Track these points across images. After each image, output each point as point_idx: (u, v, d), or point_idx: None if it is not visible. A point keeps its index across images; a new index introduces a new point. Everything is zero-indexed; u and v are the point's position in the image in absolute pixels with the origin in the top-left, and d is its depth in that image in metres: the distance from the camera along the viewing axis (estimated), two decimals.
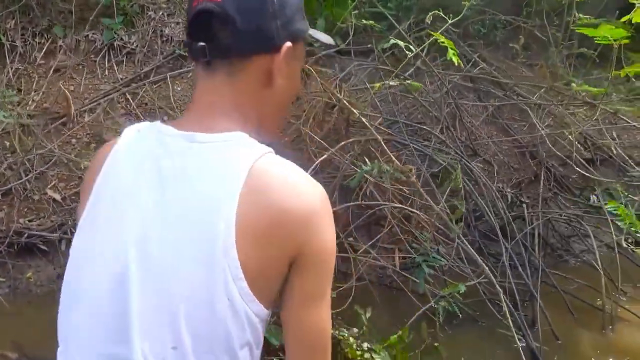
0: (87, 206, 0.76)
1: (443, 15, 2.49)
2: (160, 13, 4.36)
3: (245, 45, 0.75)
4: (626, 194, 2.74)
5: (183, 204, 0.70)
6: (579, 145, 3.40)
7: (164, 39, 4.25)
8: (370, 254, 2.77)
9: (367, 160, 2.48)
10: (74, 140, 3.63)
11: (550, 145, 3.28)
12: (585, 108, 3.26)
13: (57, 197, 3.31)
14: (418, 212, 2.62)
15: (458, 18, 2.60)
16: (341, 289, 2.64)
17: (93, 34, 4.21)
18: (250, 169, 0.70)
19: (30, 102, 3.66)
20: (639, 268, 3.12)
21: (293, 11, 0.78)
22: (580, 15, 2.95)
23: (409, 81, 2.60)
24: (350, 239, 3.05)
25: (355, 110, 2.43)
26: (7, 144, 3.47)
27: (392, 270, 2.95)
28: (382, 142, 2.34)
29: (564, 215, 3.23)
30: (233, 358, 0.69)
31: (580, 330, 2.58)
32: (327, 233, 0.72)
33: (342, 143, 2.49)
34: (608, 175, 3.55)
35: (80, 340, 0.72)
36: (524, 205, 3.14)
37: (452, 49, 2.27)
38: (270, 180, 0.71)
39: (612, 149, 3.42)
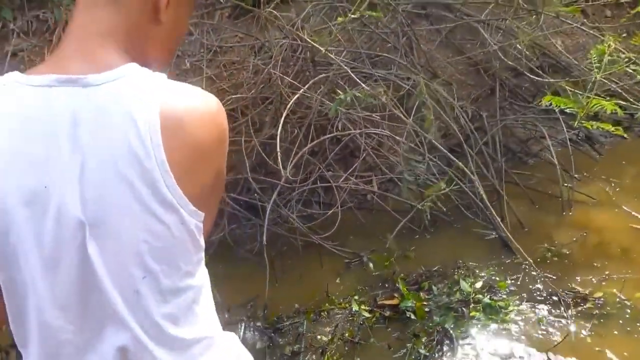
0: None
1: None
2: None
3: None
4: (573, 90, 3.01)
5: (108, 162, 0.70)
6: (528, 54, 3.64)
7: None
8: (350, 181, 3.00)
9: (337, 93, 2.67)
10: None
11: (502, 57, 3.51)
12: (531, 18, 3.47)
13: None
14: (390, 134, 2.84)
15: None
16: (326, 215, 2.90)
17: (44, 13, 4.16)
18: (161, 112, 0.70)
19: None
20: (588, 157, 3.48)
21: None
22: None
23: (368, 12, 2.75)
24: (330, 172, 3.29)
25: (320, 47, 2.59)
26: None
27: (372, 194, 3.21)
28: (351, 73, 2.52)
29: (520, 121, 3.51)
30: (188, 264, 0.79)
31: (543, 216, 2.91)
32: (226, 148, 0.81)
33: (312, 80, 2.67)
34: (557, 79, 3.82)
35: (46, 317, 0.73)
36: (484, 117, 3.40)
37: None
38: (182, 117, 0.72)
39: (557, 51, 3.68)
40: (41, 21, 4.13)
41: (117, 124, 0.70)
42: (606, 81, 2.58)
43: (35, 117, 0.70)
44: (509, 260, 2.69)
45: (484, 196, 2.83)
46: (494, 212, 2.83)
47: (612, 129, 2.53)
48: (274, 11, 2.89)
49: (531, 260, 2.40)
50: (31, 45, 4.04)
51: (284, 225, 2.84)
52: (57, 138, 0.69)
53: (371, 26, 3.64)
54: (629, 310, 2.30)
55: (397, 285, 2.52)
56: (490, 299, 2.35)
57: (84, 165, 0.70)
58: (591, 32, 4.01)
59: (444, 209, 2.86)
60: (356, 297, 2.44)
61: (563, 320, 2.26)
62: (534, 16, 3.36)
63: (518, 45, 3.41)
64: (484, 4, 4.10)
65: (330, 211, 2.77)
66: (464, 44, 4.21)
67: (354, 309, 2.32)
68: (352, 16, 2.61)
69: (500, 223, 2.83)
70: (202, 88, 0.79)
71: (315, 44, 2.73)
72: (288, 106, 2.61)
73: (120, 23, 0.73)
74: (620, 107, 2.45)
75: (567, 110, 2.98)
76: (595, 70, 2.45)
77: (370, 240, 2.87)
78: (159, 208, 0.73)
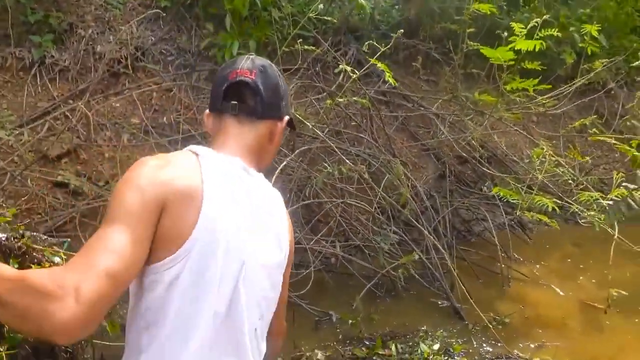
0: (205, 215, 0.93)
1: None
2: (90, 31, 4.45)
3: (266, 112, 1.09)
4: (513, 183, 3.55)
5: (263, 218, 1.06)
6: (471, 147, 4.21)
7: (97, 56, 4.34)
8: (321, 244, 3.26)
9: (307, 165, 2.97)
10: (16, 158, 3.64)
11: (453, 146, 4.04)
12: (476, 115, 4.08)
13: (8, 215, 3.34)
14: (362, 204, 3.17)
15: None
16: (300, 276, 3.11)
17: (20, 51, 4.19)
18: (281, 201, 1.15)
19: None
20: (523, 240, 4.01)
21: (288, 99, 1.18)
22: (470, 42, 3.73)
23: (355, 98, 3.14)
24: (296, 234, 3.53)
25: (308, 123, 2.92)
26: None
27: (337, 258, 3.47)
28: (335, 148, 2.85)
29: (467, 203, 4.01)
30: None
31: (486, 289, 3.31)
32: None
33: (298, 150, 2.97)
34: (495, 170, 4.42)
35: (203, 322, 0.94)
36: (436, 197, 3.85)
37: (387, 72, 2.85)
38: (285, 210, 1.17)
39: (497, 148, 4.30)
40: (16, 58, 4.15)
41: (270, 206, 1.09)
42: (543, 179, 3.09)
43: (236, 179, 1.03)
44: (459, 326, 3.02)
45: (440, 267, 3.19)
46: (445, 285, 3.18)
47: (548, 220, 3.03)
48: None
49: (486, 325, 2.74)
50: (4, 81, 4.03)
51: None
52: (245, 199, 1.02)
53: (341, 106, 4.07)
54: None
55: (362, 342, 2.75)
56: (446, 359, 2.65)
57: (252, 221, 1.02)
58: (522, 132, 4.73)
59: (402, 277, 3.18)
60: (327, 354, 2.63)
61: None
62: (482, 116, 3.94)
63: (467, 138, 3.96)
64: (436, 98, 4.73)
65: (306, 271, 2.99)
66: (417, 130, 4.77)
67: None
68: (340, 100, 2.98)
69: (451, 294, 3.19)
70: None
71: (303, 120, 3.06)
72: (275, 175, 2.87)
73: (255, 144, 1.10)
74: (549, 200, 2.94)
75: (505, 199, 3.49)
76: (537, 170, 2.97)
77: (337, 300, 3.10)
78: (280, 268, 1.08)
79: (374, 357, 2.62)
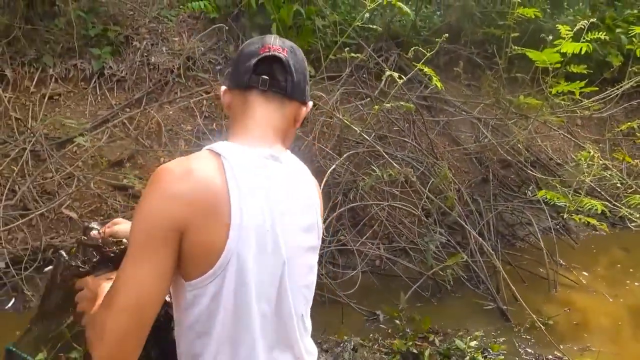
0: (235, 226, 0.92)
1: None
2: (145, 43, 4.71)
3: (293, 92, 1.08)
4: (558, 186, 3.55)
5: (297, 205, 1.05)
6: (515, 150, 4.22)
7: (151, 67, 4.59)
8: (367, 246, 3.35)
9: (353, 169, 3.07)
10: (80, 163, 3.90)
11: (498, 150, 4.06)
12: (520, 119, 4.08)
13: (74, 215, 3.59)
14: (407, 207, 3.24)
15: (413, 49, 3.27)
16: (346, 277, 3.22)
17: (82, 63, 4.46)
18: (311, 177, 1.15)
19: (30, 129, 3.87)
20: (569, 245, 3.98)
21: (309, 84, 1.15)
22: (514, 46, 3.76)
23: (401, 103, 3.23)
24: (343, 237, 3.63)
25: (356, 128, 3.03)
26: (15, 169, 3.69)
27: (382, 260, 3.56)
28: (383, 152, 2.95)
29: (511, 207, 4.02)
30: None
31: (532, 293, 3.32)
32: None
33: (347, 154, 3.08)
34: (539, 174, 4.40)
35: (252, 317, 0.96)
36: (480, 201, 3.88)
37: (435, 76, 2.93)
38: (318, 191, 1.17)
39: (541, 152, 4.29)
40: (79, 70, 4.43)
41: (300, 191, 1.08)
42: (591, 183, 3.09)
43: (263, 173, 1.00)
44: (502, 328, 3.05)
45: (485, 270, 3.23)
46: (491, 287, 3.22)
47: (597, 223, 3.02)
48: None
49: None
50: (67, 91, 4.31)
51: None
52: (273, 192, 1.00)
53: (384, 111, 4.16)
54: None
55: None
56: (484, 357, 2.69)
57: (283, 214, 1.00)
58: (567, 136, 4.69)
59: (450, 279, 3.23)
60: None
61: None
62: (525, 120, 3.95)
63: (510, 142, 3.98)
64: (478, 103, 4.75)
65: (353, 272, 3.09)
66: (459, 134, 4.80)
67: None
68: (387, 105, 3.08)
69: (496, 296, 3.22)
70: None
71: (351, 124, 3.16)
72: (324, 179, 2.99)
73: (281, 125, 1.09)
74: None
75: (551, 202, 3.50)
76: (585, 173, 2.97)
77: (384, 302, 3.18)
78: (315, 250, 1.10)
79: (410, 348, 2.68)
